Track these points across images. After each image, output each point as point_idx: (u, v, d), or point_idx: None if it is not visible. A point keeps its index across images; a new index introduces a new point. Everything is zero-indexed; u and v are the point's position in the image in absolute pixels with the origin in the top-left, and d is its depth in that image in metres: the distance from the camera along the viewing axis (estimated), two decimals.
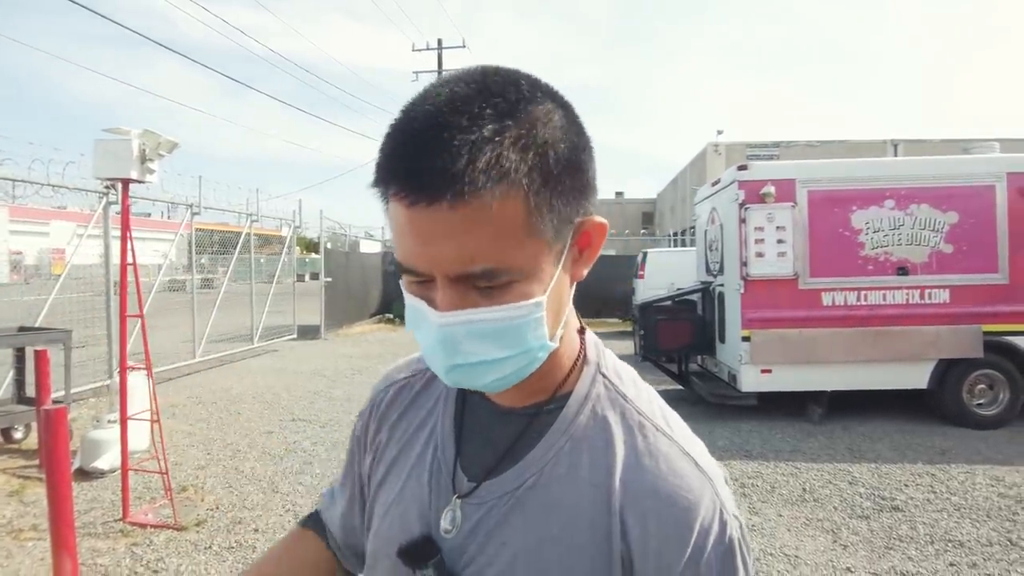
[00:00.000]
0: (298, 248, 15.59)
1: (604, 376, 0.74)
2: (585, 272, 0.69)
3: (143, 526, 4.17)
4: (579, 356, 0.75)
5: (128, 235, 4.28)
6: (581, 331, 0.77)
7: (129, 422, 4.52)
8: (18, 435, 6.06)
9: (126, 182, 4.32)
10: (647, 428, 0.70)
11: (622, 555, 0.64)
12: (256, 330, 12.18)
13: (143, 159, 4.28)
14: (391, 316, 17.85)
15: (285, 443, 6.07)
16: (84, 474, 5.07)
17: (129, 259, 4.32)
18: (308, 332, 13.97)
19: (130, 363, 5.11)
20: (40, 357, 5.56)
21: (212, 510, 4.46)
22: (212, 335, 10.81)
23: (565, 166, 0.60)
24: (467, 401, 0.78)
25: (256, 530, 4.15)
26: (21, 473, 5.26)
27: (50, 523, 3.23)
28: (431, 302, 0.61)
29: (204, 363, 10.26)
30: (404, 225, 0.58)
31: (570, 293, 0.68)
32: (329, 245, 16.08)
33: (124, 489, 4.25)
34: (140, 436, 5.29)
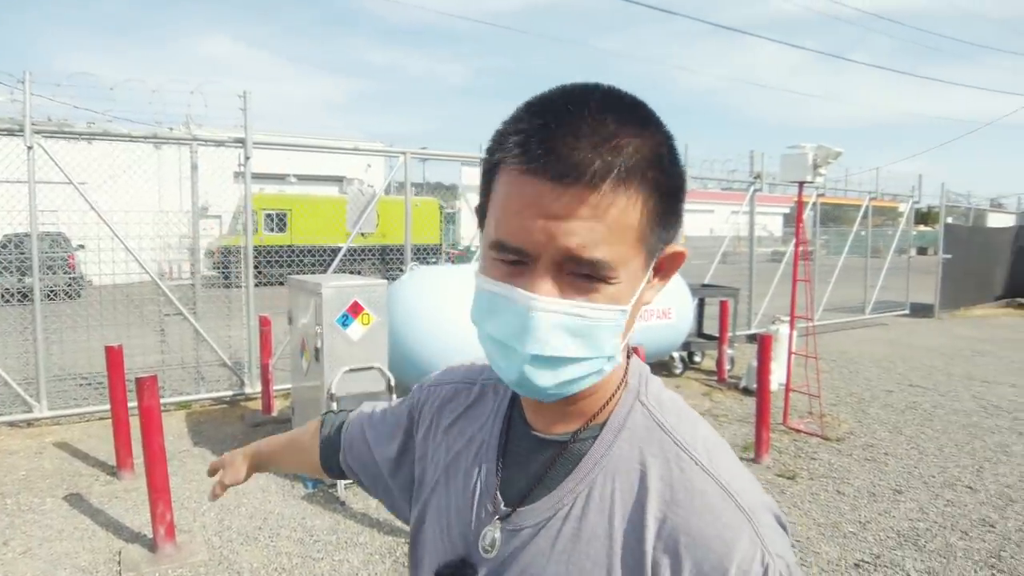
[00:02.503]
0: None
1: (643, 404, 0.72)
2: (654, 297, 0.69)
3: (797, 431, 5.83)
4: (621, 382, 0.73)
5: (801, 223, 5.90)
6: (627, 356, 0.75)
7: (780, 357, 6.27)
8: (697, 359, 8.63)
9: (801, 184, 5.93)
10: (685, 461, 0.67)
11: None
12: (868, 303, 12.92)
13: (815, 166, 5.79)
14: (1023, 301, 15.74)
15: (905, 401, 6.94)
16: (747, 391, 7.07)
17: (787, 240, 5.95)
18: (920, 310, 13.83)
19: (780, 316, 6.90)
20: (722, 307, 7.90)
21: (848, 434, 5.82)
22: (826, 304, 12.09)
23: (675, 191, 0.64)
24: (512, 424, 0.79)
25: (886, 453, 5.31)
26: (706, 383, 7.68)
27: (756, 416, 5.11)
28: (523, 287, 0.62)
29: (819, 327, 11.64)
30: (524, 199, 0.60)
31: (635, 318, 0.67)
32: (950, 219, 15.25)
33: (786, 403, 6.01)
34: (782, 371, 6.97)
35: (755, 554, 0.62)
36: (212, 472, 1.21)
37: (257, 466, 1.18)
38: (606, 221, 0.59)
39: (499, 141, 0.64)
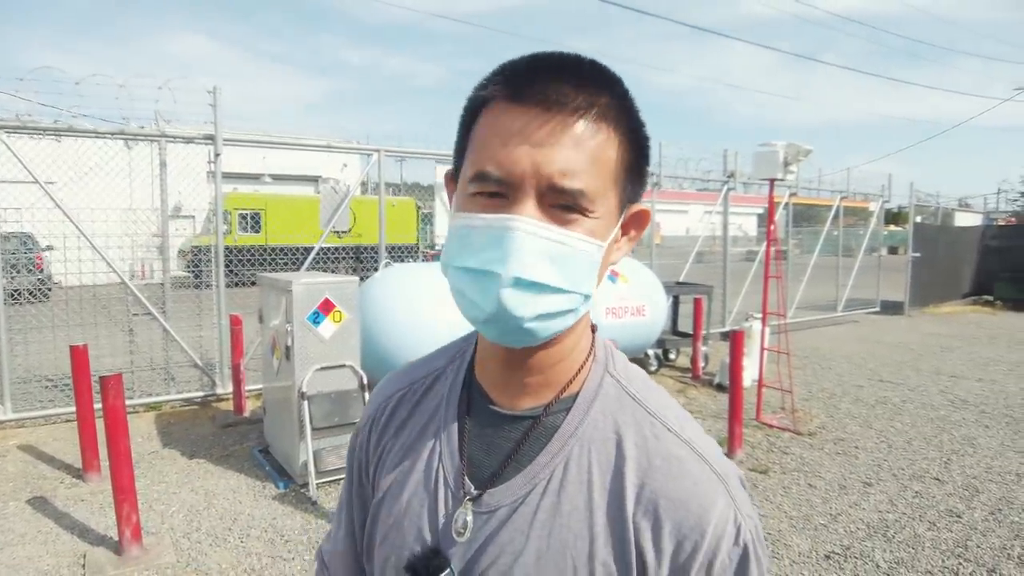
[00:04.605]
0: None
1: (612, 376, 0.73)
2: (621, 258, 0.72)
3: (770, 426, 5.89)
4: (589, 354, 0.74)
5: (773, 220, 5.96)
6: (593, 329, 0.76)
7: (753, 354, 6.32)
8: (672, 356, 8.69)
9: (772, 181, 5.99)
10: (658, 429, 0.69)
11: (636, 559, 0.65)
12: (840, 301, 13.11)
13: (785, 164, 5.86)
14: (990, 298, 16.07)
15: (875, 396, 7.04)
16: (721, 387, 7.13)
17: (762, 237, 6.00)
18: (890, 307, 14.06)
19: (753, 313, 6.97)
20: (696, 304, 7.96)
21: (820, 428, 5.89)
22: (798, 302, 12.25)
23: (642, 147, 0.68)
24: (472, 404, 0.77)
25: (856, 447, 5.38)
26: (680, 380, 7.73)
27: (729, 411, 5.15)
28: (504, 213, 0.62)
29: (792, 324, 11.78)
30: (510, 128, 0.62)
31: (606, 270, 0.69)
32: (919, 219, 15.53)
33: (758, 399, 6.06)
34: (755, 367, 7.04)
35: (730, 514, 0.65)
36: None
37: None
38: (587, 152, 0.62)
39: (486, 81, 0.66)
